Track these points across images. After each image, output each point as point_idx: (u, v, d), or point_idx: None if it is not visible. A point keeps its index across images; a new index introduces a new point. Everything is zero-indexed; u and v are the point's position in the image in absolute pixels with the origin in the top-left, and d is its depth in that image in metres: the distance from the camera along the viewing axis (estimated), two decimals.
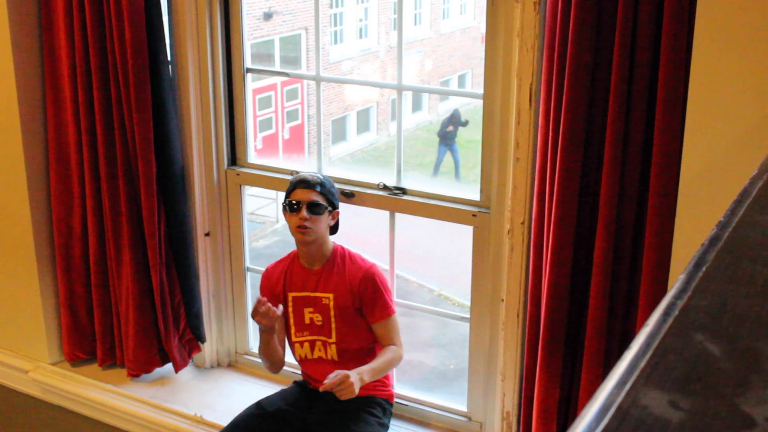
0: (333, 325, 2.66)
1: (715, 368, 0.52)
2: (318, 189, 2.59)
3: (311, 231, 2.59)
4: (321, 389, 2.49)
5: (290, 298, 2.71)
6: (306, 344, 2.70)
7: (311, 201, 2.58)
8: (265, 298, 2.61)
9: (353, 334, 2.66)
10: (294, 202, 2.60)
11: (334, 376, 2.45)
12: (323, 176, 2.65)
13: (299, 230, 2.60)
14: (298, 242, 2.68)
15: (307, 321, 2.69)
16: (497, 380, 2.66)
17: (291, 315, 2.71)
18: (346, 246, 2.72)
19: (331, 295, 2.66)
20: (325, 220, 2.61)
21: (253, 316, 2.60)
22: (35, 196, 3.04)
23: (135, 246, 2.91)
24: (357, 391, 2.46)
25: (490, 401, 2.75)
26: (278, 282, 2.73)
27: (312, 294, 2.68)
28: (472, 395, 2.83)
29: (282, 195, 2.71)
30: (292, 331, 2.72)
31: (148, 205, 2.84)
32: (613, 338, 2.29)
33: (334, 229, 2.69)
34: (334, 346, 2.67)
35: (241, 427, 2.60)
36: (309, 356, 2.70)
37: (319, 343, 2.69)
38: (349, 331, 2.65)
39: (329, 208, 2.61)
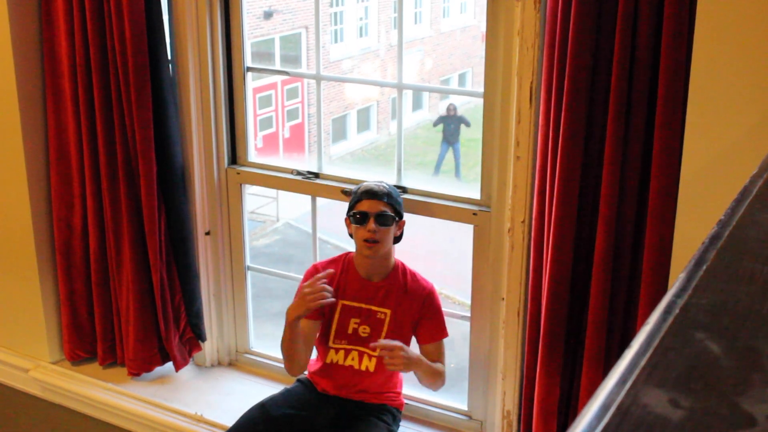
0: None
1: (715, 367, 0.52)
2: (385, 200, 2.52)
3: (380, 245, 2.53)
4: (372, 345, 2.48)
5: (339, 305, 2.64)
6: (341, 351, 2.65)
7: (379, 212, 2.51)
8: (324, 277, 2.53)
9: None
10: (361, 213, 2.53)
11: (391, 343, 2.43)
12: (389, 185, 2.58)
13: (367, 244, 2.53)
14: (362, 255, 2.60)
15: (350, 331, 2.63)
16: (498, 379, 2.66)
17: (335, 322, 2.65)
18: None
19: (388, 311, 2.61)
20: (392, 232, 2.56)
21: (305, 292, 2.50)
22: (36, 195, 3.04)
23: (135, 245, 2.91)
24: (404, 368, 2.47)
25: (490, 400, 2.75)
26: (329, 285, 2.62)
27: (366, 306, 2.63)
28: (473, 394, 2.83)
29: (283, 194, 2.70)
30: (331, 337, 2.65)
31: (148, 204, 2.84)
32: (614, 337, 2.29)
33: (398, 239, 2.64)
34: (375, 360, 2.61)
35: (245, 431, 2.57)
36: (340, 362, 2.66)
37: (354, 353, 2.63)
38: None
39: (396, 219, 2.56)
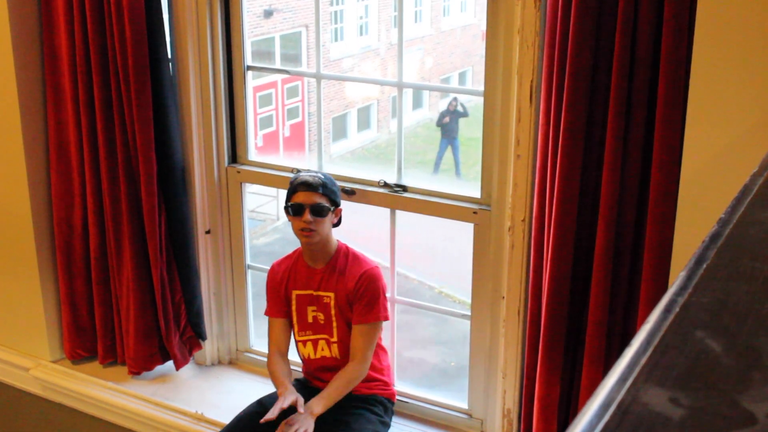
0: (334, 324, 2.65)
1: (715, 365, 0.52)
2: (320, 191, 2.56)
3: (315, 233, 2.57)
4: None
5: (294, 296, 2.70)
6: (309, 344, 2.70)
7: (314, 204, 2.55)
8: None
9: None
10: (296, 205, 2.57)
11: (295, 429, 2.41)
12: (324, 175, 2.61)
13: (303, 233, 2.58)
14: (302, 243, 2.66)
15: (310, 320, 2.68)
16: (498, 377, 2.66)
17: (294, 313, 2.70)
18: (349, 244, 2.70)
19: (332, 294, 2.65)
20: (329, 220, 2.59)
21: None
22: (36, 195, 3.04)
23: (136, 244, 2.91)
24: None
25: (491, 398, 2.75)
26: (282, 280, 2.72)
27: (314, 293, 2.67)
28: (473, 392, 2.83)
29: (283, 192, 2.71)
30: (296, 329, 2.72)
31: (148, 203, 2.84)
32: (614, 335, 2.29)
33: (337, 224, 2.68)
34: (335, 345, 2.66)
35: (243, 425, 2.59)
36: (312, 356, 2.70)
37: (322, 342, 2.68)
38: (350, 331, 2.65)
39: (332, 208, 2.59)
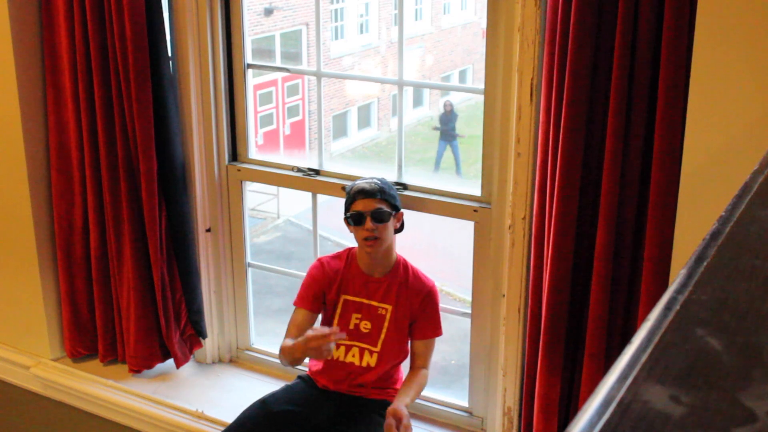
0: (383, 336, 2.63)
1: (716, 363, 0.52)
2: (379, 196, 2.52)
3: (380, 241, 2.54)
4: (390, 414, 2.42)
5: (341, 301, 2.66)
6: (342, 348, 2.66)
7: (375, 209, 2.52)
8: (335, 331, 2.40)
9: (398, 346, 2.65)
10: (356, 213, 2.53)
11: (404, 423, 2.41)
12: (380, 180, 2.58)
13: (368, 242, 2.53)
14: (363, 252, 2.61)
15: (352, 326, 2.64)
16: (498, 376, 2.66)
17: (337, 317, 2.66)
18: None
19: (389, 307, 2.62)
20: (392, 226, 2.57)
21: (311, 343, 2.36)
22: (36, 193, 3.04)
23: (136, 242, 2.91)
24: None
25: (491, 396, 2.75)
26: (333, 282, 2.65)
27: (367, 302, 2.64)
28: (474, 391, 2.83)
29: (284, 190, 2.70)
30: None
31: (149, 201, 2.84)
32: (614, 333, 2.29)
33: (399, 229, 2.65)
34: (376, 355, 2.63)
35: (246, 427, 2.57)
36: (341, 358, 2.67)
37: (356, 349, 2.64)
38: (395, 344, 2.64)
39: (393, 213, 2.56)
